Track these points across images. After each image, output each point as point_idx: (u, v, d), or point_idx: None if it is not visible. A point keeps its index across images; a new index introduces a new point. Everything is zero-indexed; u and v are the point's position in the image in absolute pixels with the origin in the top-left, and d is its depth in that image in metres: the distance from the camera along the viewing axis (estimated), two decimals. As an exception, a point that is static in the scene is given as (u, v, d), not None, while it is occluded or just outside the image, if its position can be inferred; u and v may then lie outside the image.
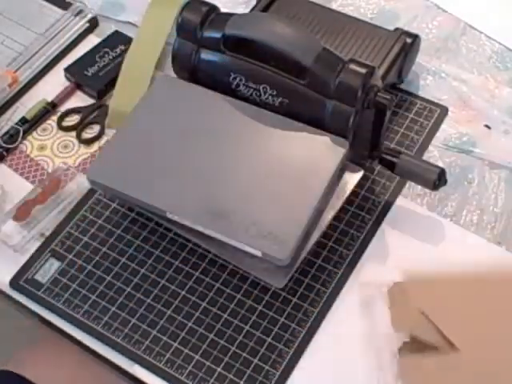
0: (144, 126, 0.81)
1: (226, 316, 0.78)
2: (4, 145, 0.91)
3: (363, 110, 0.77)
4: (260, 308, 0.78)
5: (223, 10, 0.84)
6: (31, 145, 0.92)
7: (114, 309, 0.79)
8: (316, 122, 0.78)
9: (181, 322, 0.78)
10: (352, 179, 0.79)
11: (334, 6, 1.03)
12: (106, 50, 0.98)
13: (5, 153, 0.91)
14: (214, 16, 0.82)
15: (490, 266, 0.78)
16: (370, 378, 0.73)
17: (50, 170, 0.90)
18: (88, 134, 0.93)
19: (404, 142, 0.90)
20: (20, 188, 0.87)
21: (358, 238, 0.82)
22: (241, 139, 0.79)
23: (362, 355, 0.75)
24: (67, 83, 0.97)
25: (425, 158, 0.88)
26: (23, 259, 0.83)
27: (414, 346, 0.74)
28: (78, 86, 0.97)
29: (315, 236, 0.75)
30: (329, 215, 0.77)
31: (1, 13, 1.04)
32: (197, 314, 0.78)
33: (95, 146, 0.92)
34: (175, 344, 0.76)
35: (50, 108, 0.94)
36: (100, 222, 0.85)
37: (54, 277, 0.81)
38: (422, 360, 0.73)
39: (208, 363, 0.75)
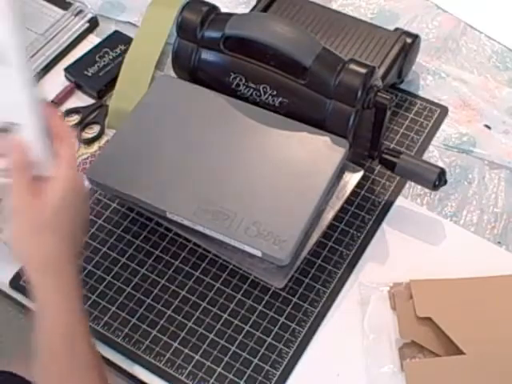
0: (144, 125, 0.81)
1: (226, 316, 0.78)
2: (4, 145, 0.91)
3: (363, 109, 0.77)
4: (260, 308, 0.78)
5: (223, 9, 0.84)
6: (31, 145, 0.92)
7: (114, 309, 0.79)
8: (316, 122, 0.78)
9: (181, 321, 0.78)
10: (352, 179, 0.79)
11: (334, 6, 1.03)
12: (106, 49, 0.98)
13: (5, 153, 0.91)
14: (214, 16, 0.82)
15: (490, 266, 0.78)
16: (371, 378, 0.73)
17: (49, 170, 0.89)
18: (88, 133, 0.93)
19: (404, 142, 0.90)
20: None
21: (358, 237, 0.82)
22: (241, 139, 0.79)
23: (362, 355, 0.75)
24: (67, 83, 0.97)
25: (425, 157, 0.88)
26: (23, 259, 0.83)
27: (415, 346, 0.74)
28: (77, 85, 0.97)
29: (315, 236, 0.75)
30: (329, 215, 0.77)
31: (1, 13, 1.04)
32: (197, 313, 0.78)
33: (95, 146, 0.92)
34: (175, 344, 0.76)
35: (49, 108, 0.94)
36: (100, 222, 0.85)
37: (54, 277, 0.81)
38: (426, 362, 0.73)
39: (208, 363, 0.75)
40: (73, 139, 0.70)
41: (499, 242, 0.82)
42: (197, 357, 0.76)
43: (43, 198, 0.65)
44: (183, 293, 0.79)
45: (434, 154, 0.89)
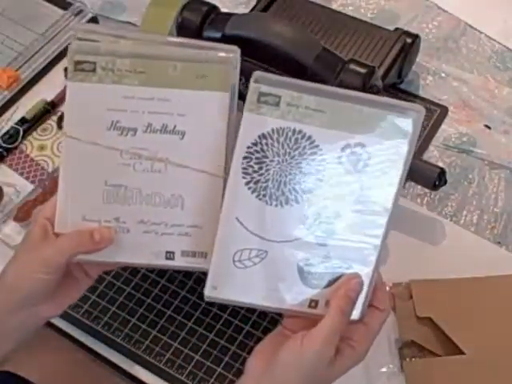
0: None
1: (226, 316, 0.78)
2: (4, 145, 0.91)
3: (363, 110, 0.77)
4: (260, 308, 0.78)
5: (223, 10, 0.84)
6: (31, 145, 0.92)
7: (114, 309, 0.79)
8: (316, 122, 0.78)
9: (181, 321, 0.78)
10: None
11: (334, 6, 1.03)
12: (106, 50, 0.98)
13: (5, 153, 0.91)
14: (214, 16, 0.82)
15: (490, 266, 0.78)
16: (371, 378, 0.73)
17: (50, 170, 0.90)
18: (88, 133, 0.93)
19: (404, 142, 0.90)
20: (20, 188, 0.87)
21: (358, 238, 0.82)
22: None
23: (362, 355, 0.75)
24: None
25: (425, 158, 0.88)
26: (23, 259, 0.83)
27: (415, 346, 0.74)
28: (77, 86, 0.96)
29: None
30: None
31: (1, 13, 1.04)
32: (197, 314, 0.78)
33: (95, 146, 0.92)
34: (175, 344, 0.76)
35: (49, 108, 0.94)
36: (100, 221, 0.85)
37: (54, 277, 0.81)
38: (426, 362, 0.73)
39: (208, 363, 0.75)
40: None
41: (499, 242, 0.82)
42: (197, 357, 0.76)
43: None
44: (183, 293, 0.79)
45: (434, 154, 0.89)
